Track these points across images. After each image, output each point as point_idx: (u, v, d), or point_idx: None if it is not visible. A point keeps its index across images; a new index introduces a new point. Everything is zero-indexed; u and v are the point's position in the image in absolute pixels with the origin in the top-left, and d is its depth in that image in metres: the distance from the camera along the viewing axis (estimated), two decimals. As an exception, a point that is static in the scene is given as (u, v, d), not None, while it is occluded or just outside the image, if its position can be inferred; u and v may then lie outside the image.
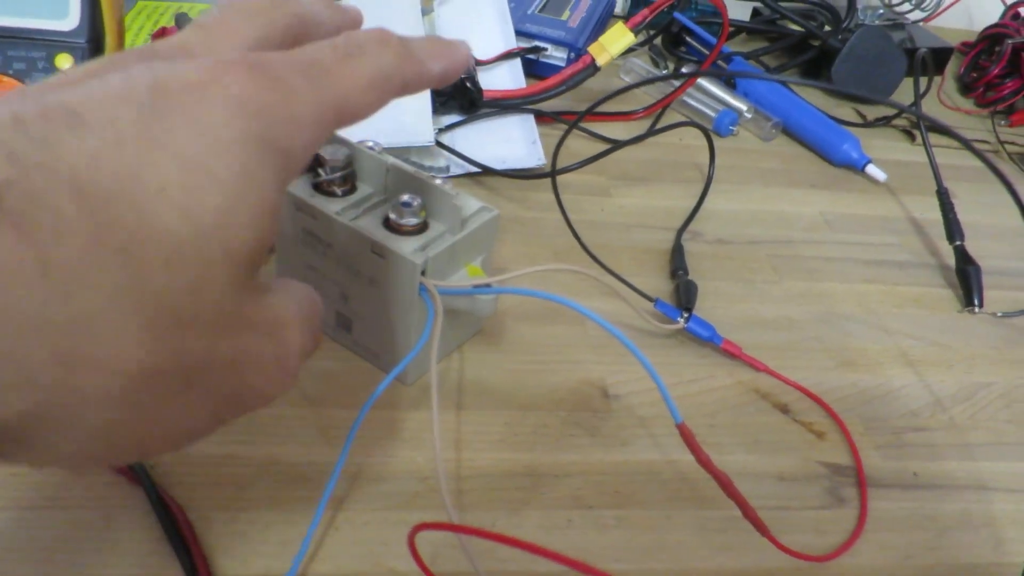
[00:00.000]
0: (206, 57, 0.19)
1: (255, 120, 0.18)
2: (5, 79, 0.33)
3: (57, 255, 0.15)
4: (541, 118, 0.55)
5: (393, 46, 0.22)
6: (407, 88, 0.23)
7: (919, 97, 0.60)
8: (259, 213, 0.18)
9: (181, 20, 0.39)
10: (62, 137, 0.16)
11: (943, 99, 0.72)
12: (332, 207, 0.33)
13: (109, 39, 0.34)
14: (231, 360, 0.19)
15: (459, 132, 0.52)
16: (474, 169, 0.49)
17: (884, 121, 0.65)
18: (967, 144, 0.43)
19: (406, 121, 0.48)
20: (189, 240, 0.16)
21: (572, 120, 0.46)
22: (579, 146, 0.55)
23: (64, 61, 0.33)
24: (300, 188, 0.34)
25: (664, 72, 0.65)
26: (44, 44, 0.33)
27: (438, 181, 0.33)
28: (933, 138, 0.55)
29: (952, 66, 0.77)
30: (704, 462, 0.28)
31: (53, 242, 0.15)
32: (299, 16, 0.23)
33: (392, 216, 0.33)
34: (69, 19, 0.33)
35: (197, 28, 0.21)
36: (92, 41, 0.34)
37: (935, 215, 0.52)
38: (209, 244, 0.17)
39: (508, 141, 0.52)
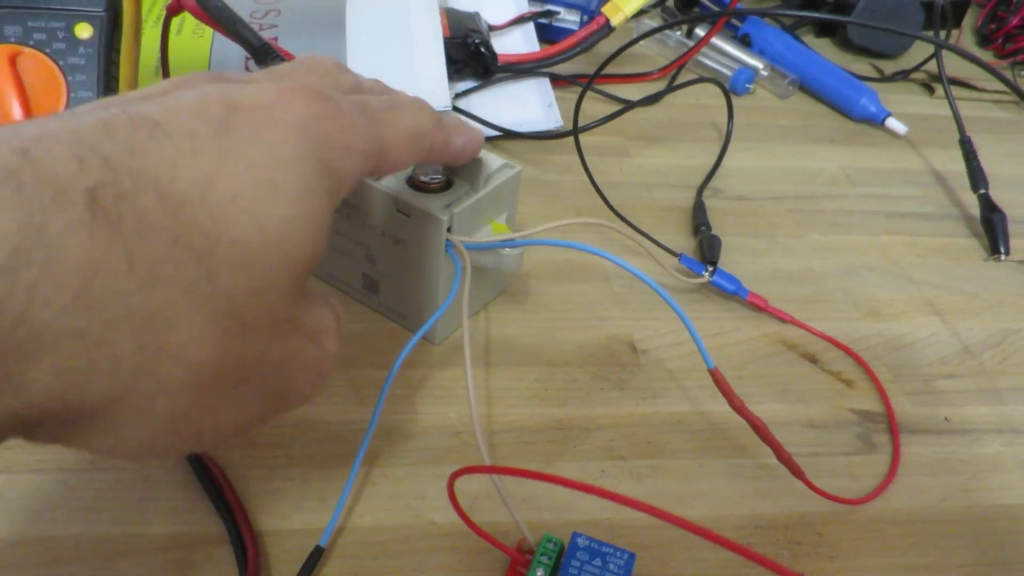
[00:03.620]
0: (275, 83, 0.20)
1: (316, 144, 0.20)
2: (26, 50, 0.33)
3: (142, 251, 0.16)
4: (556, 82, 0.55)
5: (428, 112, 0.25)
6: (432, 153, 0.26)
7: (940, 47, 0.59)
8: (316, 227, 0.19)
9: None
10: (146, 144, 0.17)
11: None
12: (355, 168, 0.33)
13: (127, 7, 0.34)
14: (282, 360, 0.20)
15: (475, 97, 0.52)
16: (492, 133, 0.49)
17: (902, 75, 0.64)
18: (998, 75, 0.42)
19: (422, 87, 0.47)
20: (257, 247, 0.18)
21: (586, 81, 0.46)
22: (596, 109, 0.54)
23: (83, 30, 0.33)
24: (323, 150, 0.34)
25: (678, 32, 0.64)
26: (64, 14, 0.33)
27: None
28: (952, 90, 0.54)
29: (969, 19, 0.76)
30: (738, 407, 0.28)
31: (138, 239, 0.16)
32: (358, 82, 0.26)
33: (416, 174, 0.33)
34: (87, -12, 0.33)
35: (268, 72, 0.24)
36: (110, 10, 0.34)
37: (957, 167, 0.52)
38: (273, 252, 0.18)
39: (524, 105, 0.52)
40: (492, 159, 0.34)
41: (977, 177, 0.49)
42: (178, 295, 0.16)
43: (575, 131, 0.43)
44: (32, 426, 0.16)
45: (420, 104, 0.25)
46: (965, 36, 0.74)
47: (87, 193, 0.16)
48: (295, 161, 0.19)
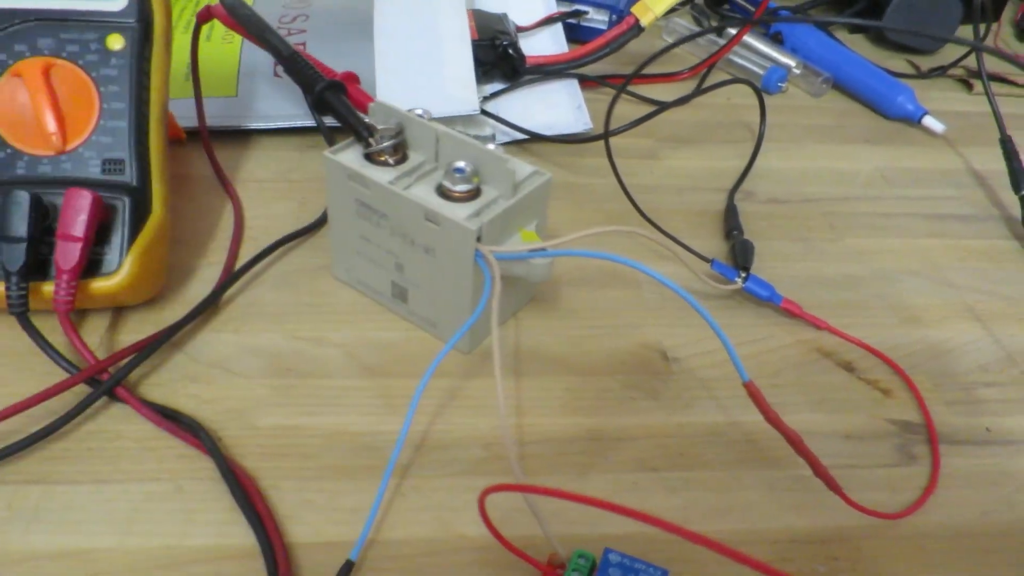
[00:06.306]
0: None
1: None
2: (59, 62, 0.33)
3: None
4: (585, 83, 0.55)
5: None
6: None
7: (976, 49, 0.58)
8: None
9: (226, -3, 0.39)
10: None
11: (1000, 46, 0.69)
12: (385, 176, 0.33)
13: (157, 17, 0.34)
14: None
15: (503, 100, 0.51)
16: (520, 136, 0.49)
17: (940, 71, 0.63)
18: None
19: (450, 91, 0.47)
20: None
21: (619, 83, 0.45)
22: (625, 109, 0.54)
23: (115, 42, 0.33)
24: (352, 159, 0.34)
25: (711, 26, 0.63)
26: (96, 25, 0.33)
27: (490, 146, 0.33)
28: (992, 86, 0.53)
29: (1008, 12, 0.74)
30: (773, 420, 0.28)
31: None
32: None
33: (445, 183, 0.32)
34: (118, 0, 0.34)
35: None
36: (142, 20, 0.34)
37: (996, 166, 0.50)
38: None
39: (553, 107, 0.51)
40: (522, 167, 0.34)
41: (1018, 177, 0.47)
42: None
43: (606, 135, 0.43)
44: None
45: None
46: (1004, 30, 0.73)
47: None
48: None
